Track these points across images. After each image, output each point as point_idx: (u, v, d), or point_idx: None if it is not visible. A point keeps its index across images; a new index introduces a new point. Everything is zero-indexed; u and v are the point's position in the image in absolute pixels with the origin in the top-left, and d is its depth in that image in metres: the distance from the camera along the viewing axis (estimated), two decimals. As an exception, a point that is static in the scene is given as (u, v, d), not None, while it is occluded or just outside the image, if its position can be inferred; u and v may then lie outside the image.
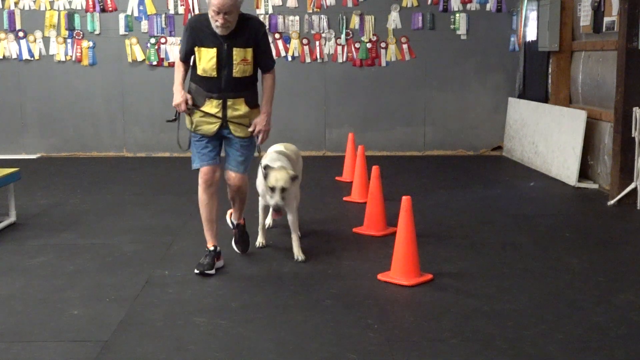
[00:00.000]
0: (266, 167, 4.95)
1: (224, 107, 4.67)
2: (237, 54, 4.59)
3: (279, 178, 4.86)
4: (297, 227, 5.16)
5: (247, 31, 4.62)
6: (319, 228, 5.98)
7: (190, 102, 4.67)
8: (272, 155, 5.26)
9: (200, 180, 4.77)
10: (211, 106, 4.67)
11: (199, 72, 4.65)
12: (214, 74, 4.61)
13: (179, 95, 4.65)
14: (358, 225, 6.00)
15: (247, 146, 4.80)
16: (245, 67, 4.63)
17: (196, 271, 4.75)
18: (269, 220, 5.71)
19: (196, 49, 4.63)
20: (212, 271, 4.76)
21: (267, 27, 9.80)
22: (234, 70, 4.61)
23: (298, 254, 5.06)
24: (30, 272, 4.85)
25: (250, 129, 4.72)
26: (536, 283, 4.61)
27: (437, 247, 5.44)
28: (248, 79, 4.70)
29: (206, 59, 4.60)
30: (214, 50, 4.57)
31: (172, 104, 4.69)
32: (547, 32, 8.89)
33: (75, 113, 10.20)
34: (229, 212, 5.36)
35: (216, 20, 4.47)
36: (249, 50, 4.62)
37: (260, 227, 5.40)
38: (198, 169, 4.79)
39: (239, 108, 4.69)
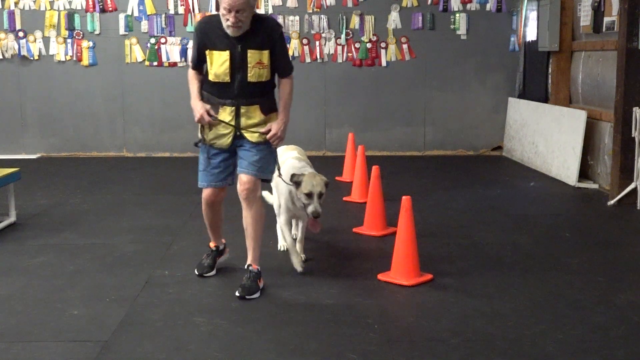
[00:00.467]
0: (294, 176, 4.64)
1: (237, 115, 4.36)
2: (251, 56, 4.28)
3: (315, 183, 4.58)
4: (304, 232, 5.07)
5: (262, 32, 4.29)
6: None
7: (212, 111, 4.36)
8: (294, 162, 4.93)
9: (203, 200, 4.63)
10: (224, 114, 4.37)
11: (211, 77, 4.35)
12: (227, 78, 4.31)
13: (198, 108, 4.35)
14: (358, 225, 6.00)
15: (263, 149, 4.42)
16: (260, 70, 4.31)
17: (196, 272, 4.75)
18: (295, 244, 5.04)
19: (207, 52, 4.32)
20: (212, 272, 4.76)
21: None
22: (248, 75, 4.29)
23: (300, 252, 5.05)
24: (30, 272, 4.85)
25: (265, 129, 4.37)
26: (536, 283, 4.60)
27: (437, 247, 5.44)
28: (264, 84, 4.37)
29: (218, 63, 4.29)
30: (227, 53, 4.27)
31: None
32: (547, 32, 8.89)
33: (75, 113, 10.21)
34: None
35: (227, 19, 4.16)
36: (265, 53, 4.30)
37: (289, 246, 4.89)
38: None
39: (253, 116, 4.38)
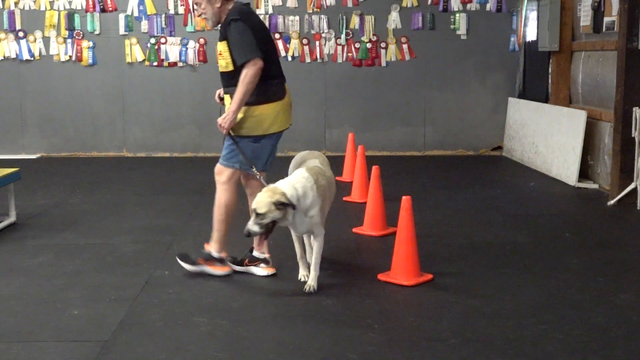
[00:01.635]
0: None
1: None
2: (218, 47, 4.57)
3: (257, 200, 4.15)
4: (318, 259, 4.45)
5: (224, 23, 4.53)
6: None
7: (222, 94, 4.71)
8: (298, 173, 4.44)
9: None
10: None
11: None
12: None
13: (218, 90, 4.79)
14: (358, 225, 6.00)
15: (229, 140, 4.54)
16: (221, 61, 4.55)
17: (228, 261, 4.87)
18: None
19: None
20: (235, 266, 4.81)
21: (268, 26, 9.74)
22: (218, 64, 4.61)
23: (303, 276, 4.65)
24: (30, 272, 4.85)
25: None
26: (536, 283, 4.60)
27: (437, 247, 5.44)
28: (233, 74, 4.47)
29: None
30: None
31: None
32: (547, 32, 8.89)
33: (75, 113, 10.21)
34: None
35: None
36: (222, 44, 4.50)
37: (298, 257, 4.67)
38: None
39: (228, 104, 4.60)
